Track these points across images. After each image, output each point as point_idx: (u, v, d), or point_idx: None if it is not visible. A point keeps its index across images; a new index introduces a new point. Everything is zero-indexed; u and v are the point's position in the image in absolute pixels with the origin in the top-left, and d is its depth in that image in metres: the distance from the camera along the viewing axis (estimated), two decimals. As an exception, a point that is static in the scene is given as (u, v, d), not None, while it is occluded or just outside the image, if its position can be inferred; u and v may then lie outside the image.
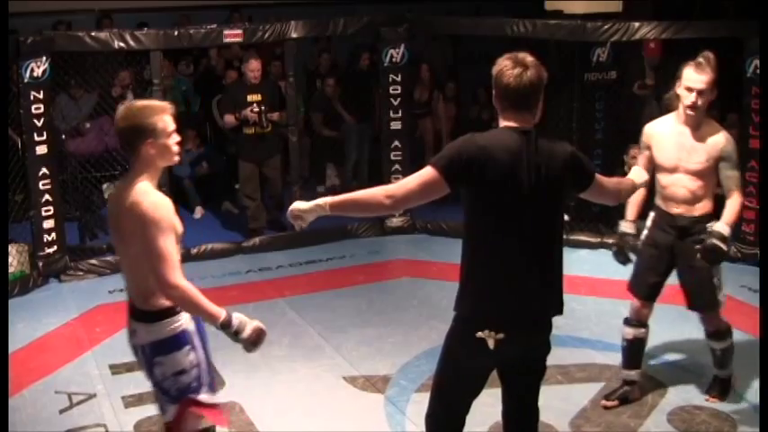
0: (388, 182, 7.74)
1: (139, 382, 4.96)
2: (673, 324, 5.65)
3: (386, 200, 2.97)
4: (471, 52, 10.60)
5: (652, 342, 5.34)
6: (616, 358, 5.14)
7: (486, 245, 3.01)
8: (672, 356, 5.20)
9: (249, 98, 7.37)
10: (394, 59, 7.62)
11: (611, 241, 7.11)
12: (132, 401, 4.81)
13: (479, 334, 2.99)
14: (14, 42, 6.38)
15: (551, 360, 5.02)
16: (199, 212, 8.25)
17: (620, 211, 7.26)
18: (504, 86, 2.98)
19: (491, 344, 2.98)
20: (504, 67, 2.98)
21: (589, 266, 6.82)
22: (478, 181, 2.93)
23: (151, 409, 4.69)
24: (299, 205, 3.06)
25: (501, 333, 2.98)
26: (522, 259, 3.00)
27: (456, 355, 3.13)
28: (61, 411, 4.73)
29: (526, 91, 2.96)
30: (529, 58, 2.98)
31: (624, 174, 7.22)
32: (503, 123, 3.05)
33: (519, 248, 2.99)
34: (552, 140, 3.08)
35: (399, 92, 7.66)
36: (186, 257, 6.94)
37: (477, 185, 2.95)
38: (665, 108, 4.51)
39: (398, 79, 7.64)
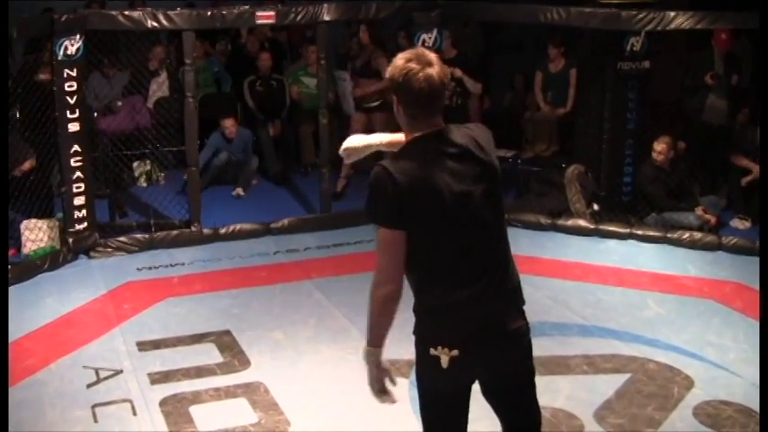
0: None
1: (166, 360, 5.07)
2: (701, 318, 5.62)
3: (386, 291, 2.75)
4: (502, 40, 10.53)
5: (680, 335, 5.34)
6: (642, 350, 5.13)
7: (430, 258, 2.75)
8: (699, 350, 5.14)
9: None
10: (426, 44, 7.56)
11: (639, 232, 7.10)
12: (158, 378, 4.85)
13: (432, 351, 2.76)
14: (49, 20, 6.42)
15: (577, 349, 5.12)
16: (241, 191, 8.28)
17: (649, 203, 7.25)
18: (414, 91, 2.68)
19: (444, 362, 2.74)
20: (410, 70, 2.67)
21: (617, 257, 6.78)
22: (413, 213, 2.69)
23: (176, 387, 4.75)
24: None
25: (455, 350, 2.74)
26: (468, 268, 2.76)
27: (420, 378, 2.88)
28: (88, 386, 4.79)
29: (438, 92, 2.70)
30: (432, 55, 2.72)
31: (655, 166, 7.18)
32: (411, 134, 2.77)
33: (463, 257, 2.75)
34: (465, 127, 2.84)
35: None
36: (215, 237, 7.08)
37: (414, 217, 2.70)
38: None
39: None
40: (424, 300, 2.82)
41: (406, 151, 2.76)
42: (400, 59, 2.72)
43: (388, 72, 2.76)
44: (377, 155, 3.10)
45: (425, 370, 2.85)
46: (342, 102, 8.62)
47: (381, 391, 2.90)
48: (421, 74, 2.67)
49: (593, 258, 6.74)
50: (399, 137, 2.93)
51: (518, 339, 2.87)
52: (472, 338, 2.77)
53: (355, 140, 3.09)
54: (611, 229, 7.19)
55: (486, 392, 2.96)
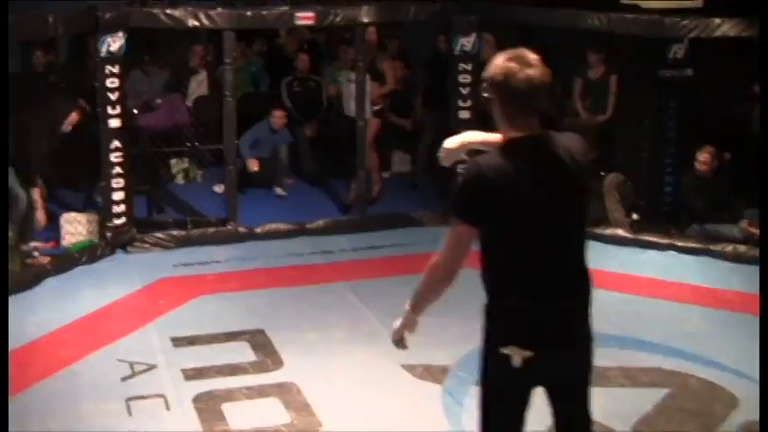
0: (453, 173, 7.61)
1: (200, 356, 5.07)
2: (745, 334, 5.47)
3: (441, 275, 2.85)
4: (541, 45, 10.41)
5: (722, 351, 5.21)
6: (683, 365, 5.01)
7: (510, 260, 2.79)
8: (743, 368, 4.97)
9: None
10: (465, 48, 7.54)
11: (680, 244, 6.98)
12: (192, 374, 4.86)
13: (503, 350, 2.77)
14: (93, 17, 6.49)
15: (615, 361, 5.02)
16: (280, 190, 8.27)
17: (690, 213, 7.14)
18: (513, 91, 2.69)
19: (517, 361, 2.75)
20: (510, 69, 2.68)
21: (657, 268, 6.66)
22: (499, 213, 2.72)
23: (210, 384, 4.75)
24: None
25: (528, 351, 2.75)
26: (547, 273, 2.79)
27: (485, 377, 2.90)
28: (123, 379, 4.82)
29: (538, 93, 2.71)
30: (532, 56, 2.72)
31: (698, 176, 7.07)
32: (509, 134, 2.78)
33: (543, 262, 2.78)
34: (563, 135, 2.85)
35: (469, 81, 7.58)
36: (250, 236, 7.09)
37: (499, 217, 2.73)
38: None
39: (469, 68, 7.55)
40: (501, 300, 2.83)
41: (502, 152, 2.77)
42: (500, 59, 2.72)
43: (488, 71, 2.76)
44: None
45: (493, 369, 2.86)
46: (345, 103, 8.41)
47: (399, 342, 3.07)
48: (521, 74, 2.68)
49: (632, 269, 6.63)
50: (495, 137, 2.93)
51: (587, 345, 2.92)
52: (546, 341, 2.79)
53: (451, 141, 3.10)
54: (650, 239, 7.08)
55: (546, 393, 2.96)
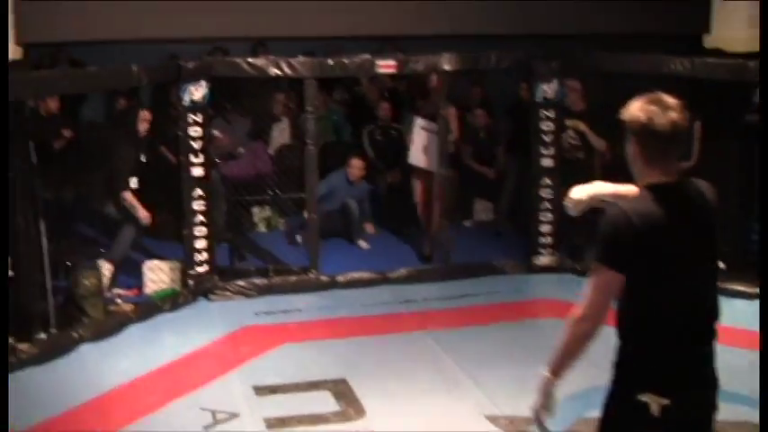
0: (536, 221, 7.58)
1: (282, 405, 5.07)
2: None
3: (588, 327, 2.76)
4: (623, 91, 10.25)
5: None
6: (779, 419, 4.81)
7: (654, 306, 2.77)
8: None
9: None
10: (547, 95, 7.49)
11: (772, 293, 6.73)
12: (275, 423, 4.85)
13: (641, 397, 2.73)
14: (176, 67, 6.65)
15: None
16: (364, 243, 8.24)
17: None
18: (656, 134, 2.69)
19: (655, 409, 2.72)
20: (653, 112, 2.69)
21: (746, 318, 6.40)
22: (645, 259, 2.73)
23: (293, 433, 4.75)
24: None
25: (666, 398, 2.72)
26: (694, 317, 2.83)
27: (613, 423, 2.86)
28: (205, 427, 4.83)
29: (679, 138, 2.73)
30: (672, 100, 2.73)
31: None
32: (648, 180, 2.78)
33: (690, 307, 2.81)
34: (699, 182, 2.90)
35: (552, 128, 7.52)
36: (332, 285, 7.09)
37: (644, 263, 2.74)
38: None
39: (551, 115, 7.50)
40: (641, 345, 2.80)
41: (646, 197, 2.77)
42: (639, 102, 2.75)
43: (627, 114, 2.77)
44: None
45: (626, 417, 2.81)
46: (419, 153, 7.96)
47: (540, 420, 2.91)
48: (664, 117, 2.70)
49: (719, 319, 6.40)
50: (627, 188, 2.94)
51: (717, 391, 2.91)
52: (685, 387, 2.78)
53: (579, 192, 3.11)
54: (738, 288, 6.84)
55: None
